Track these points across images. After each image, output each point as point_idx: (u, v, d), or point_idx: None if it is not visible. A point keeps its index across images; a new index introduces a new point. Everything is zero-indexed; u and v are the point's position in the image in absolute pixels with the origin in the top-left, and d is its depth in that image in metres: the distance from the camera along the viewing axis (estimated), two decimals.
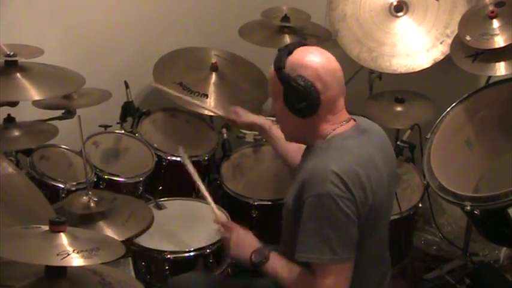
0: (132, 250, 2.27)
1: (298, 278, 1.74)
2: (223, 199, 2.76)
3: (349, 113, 1.81)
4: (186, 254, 2.28)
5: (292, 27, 2.93)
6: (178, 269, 2.26)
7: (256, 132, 2.54)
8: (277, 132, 2.14)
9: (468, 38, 2.52)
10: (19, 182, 1.83)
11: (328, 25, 3.05)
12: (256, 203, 2.62)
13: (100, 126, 2.77)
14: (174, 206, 2.57)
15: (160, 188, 2.78)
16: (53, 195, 2.34)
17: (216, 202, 2.62)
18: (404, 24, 2.92)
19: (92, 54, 2.97)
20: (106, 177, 2.56)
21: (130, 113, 2.90)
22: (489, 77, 2.70)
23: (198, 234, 2.37)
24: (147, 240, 2.27)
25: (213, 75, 2.95)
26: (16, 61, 2.12)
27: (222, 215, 2.32)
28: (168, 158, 2.76)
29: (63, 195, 2.38)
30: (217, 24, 3.24)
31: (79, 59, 2.81)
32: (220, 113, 2.59)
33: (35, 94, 2.08)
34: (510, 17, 2.47)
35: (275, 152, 2.30)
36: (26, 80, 2.08)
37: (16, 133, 2.25)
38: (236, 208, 2.64)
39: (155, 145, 2.78)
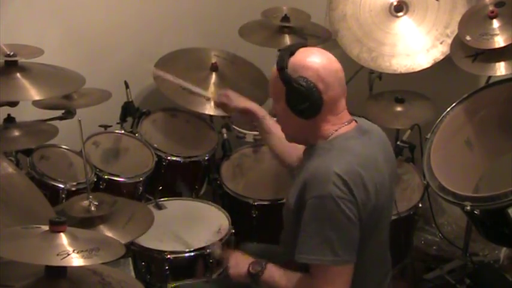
0: (132, 250, 2.27)
1: (298, 283, 1.74)
2: (223, 199, 2.76)
3: (350, 113, 1.81)
4: (186, 254, 2.28)
5: (292, 27, 2.93)
6: (178, 269, 2.26)
7: (256, 132, 2.54)
8: (270, 121, 2.12)
9: (468, 38, 2.52)
10: (19, 182, 1.83)
11: (328, 25, 3.05)
12: (256, 203, 2.62)
13: (100, 126, 2.77)
14: (174, 206, 2.57)
15: (160, 188, 2.78)
16: (53, 195, 2.34)
17: (216, 202, 2.64)
18: (404, 24, 2.92)
19: (92, 54, 2.97)
20: (106, 177, 2.56)
21: (130, 113, 2.90)
22: (489, 77, 2.70)
23: (198, 234, 2.37)
24: (147, 240, 2.27)
25: (213, 75, 2.95)
26: (16, 61, 2.12)
27: (217, 246, 2.20)
28: (168, 158, 2.76)
29: (63, 195, 2.38)
30: (217, 24, 3.24)
31: (79, 59, 2.81)
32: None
33: (35, 94, 2.08)
34: (510, 17, 2.47)
35: (265, 142, 2.22)
36: (26, 80, 2.09)
37: (16, 133, 2.25)
38: (236, 208, 2.64)
39: (155, 145, 2.78)
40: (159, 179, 2.76)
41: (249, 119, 2.19)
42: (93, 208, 2.06)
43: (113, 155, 2.73)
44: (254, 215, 2.62)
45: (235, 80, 2.99)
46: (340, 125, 1.76)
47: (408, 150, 2.73)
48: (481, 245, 2.92)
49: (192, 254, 2.28)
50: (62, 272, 1.39)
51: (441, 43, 2.83)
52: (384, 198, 1.74)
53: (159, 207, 2.53)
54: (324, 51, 1.76)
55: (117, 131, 2.81)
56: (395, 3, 2.94)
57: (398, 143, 2.72)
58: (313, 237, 1.65)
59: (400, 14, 2.93)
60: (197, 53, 3.07)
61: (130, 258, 2.16)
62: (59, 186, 2.39)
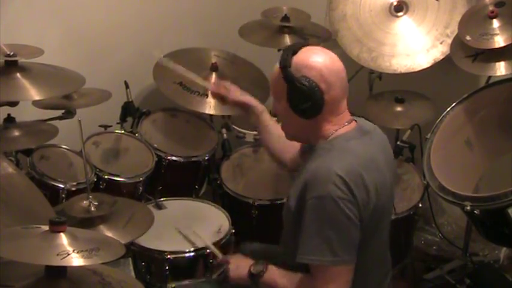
0: (132, 250, 2.27)
1: (298, 283, 1.74)
2: (223, 199, 2.76)
3: (350, 113, 1.81)
4: (186, 254, 2.28)
5: (292, 27, 2.93)
6: (178, 269, 2.26)
7: (256, 132, 2.53)
8: (267, 118, 2.12)
9: (468, 38, 2.52)
10: (19, 182, 1.83)
11: (328, 25, 3.05)
12: (256, 203, 2.62)
13: (100, 126, 2.77)
14: (174, 206, 2.57)
15: (160, 188, 2.78)
16: (53, 195, 2.34)
17: (216, 202, 2.64)
18: (404, 24, 2.92)
19: (92, 54, 2.97)
20: (106, 177, 2.56)
21: (130, 113, 2.90)
22: (489, 77, 2.70)
23: (198, 234, 2.37)
24: (147, 240, 2.27)
25: (213, 75, 2.95)
26: (16, 61, 2.12)
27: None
28: (168, 158, 2.76)
29: (63, 195, 2.38)
30: (217, 24, 3.24)
31: (79, 59, 2.81)
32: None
33: (35, 94, 2.08)
34: (510, 17, 2.47)
35: (261, 138, 2.19)
36: (26, 80, 2.09)
37: (16, 133, 2.25)
38: (236, 208, 2.64)
39: (155, 145, 2.78)
40: (159, 179, 2.76)
41: (247, 113, 2.16)
42: (93, 208, 2.06)
43: (113, 155, 2.73)
44: (254, 215, 2.62)
45: (235, 80, 2.97)
46: (340, 125, 1.76)
47: (408, 150, 2.73)
48: (481, 245, 2.92)
49: (192, 254, 2.28)
50: (62, 272, 1.39)
51: (441, 43, 2.83)
52: (384, 198, 1.74)
53: (159, 207, 2.53)
54: (327, 50, 1.76)
55: (117, 131, 2.81)
56: (395, 3, 2.94)
57: (398, 143, 2.72)
58: (313, 237, 1.65)
59: (400, 14, 2.93)
60: (197, 53, 3.06)
61: (130, 258, 2.16)
62: (59, 186, 2.39)
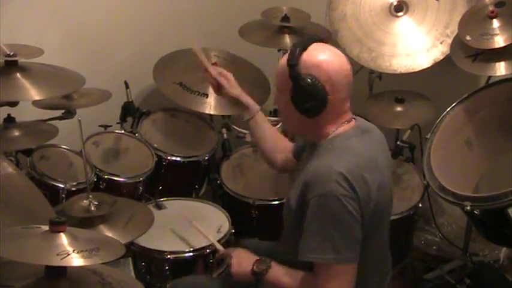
0: (132, 250, 2.27)
1: (301, 281, 1.74)
2: (223, 199, 2.76)
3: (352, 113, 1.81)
4: (186, 254, 2.28)
5: (292, 27, 2.93)
6: (178, 269, 2.26)
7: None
8: (262, 118, 2.11)
9: (468, 38, 2.52)
10: (19, 182, 1.83)
11: (328, 25, 3.05)
12: (256, 203, 2.62)
13: (100, 126, 2.77)
14: (174, 206, 2.57)
15: (160, 188, 2.78)
16: (53, 195, 2.34)
17: (216, 202, 2.64)
18: (404, 24, 2.92)
19: (92, 54, 2.97)
20: (106, 177, 2.55)
21: (130, 113, 2.90)
22: (489, 77, 2.70)
23: (198, 234, 2.37)
24: (147, 240, 2.27)
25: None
26: (16, 61, 2.12)
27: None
28: (168, 158, 2.76)
29: (63, 195, 2.38)
30: (217, 24, 3.24)
31: (79, 59, 2.81)
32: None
33: (35, 94, 2.08)
34: (510, 17, 2.47)
35: (252, 138, 2.19)
36: (26, 80, 2.09)
37: (16, 133, 2.25)
38: (236, 208, 2.64)
39: (155, 145, 2.78)
40: (159, 179, 2.76)
41: (242, 110, 2.15)
42: (93, 208, 2.06)
43: (113, 155, 2.73)
44: (254, 215, 2.62)
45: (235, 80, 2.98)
46: (340, 124, 1.76)
47: (408, 150, 2.73)
48: (481, 245, 2.92)
49: (192, 254, 2.28)
50: (62, 272, 1.39)
51: (441, 43, 2.83)
52: (384, 197, 1.74)
53: (159, 207, 2.53)
54: (337, 50, 1.74)
55: (117, 131, 2.81)
56: (395, 3, 2.94)
57: (398, 143, 2.72)
58: (315, 235, 1.65)
59: (400, 14, 2.93)
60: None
61: (130, 258, 2.16)
62: (59, 186, 2.39)
